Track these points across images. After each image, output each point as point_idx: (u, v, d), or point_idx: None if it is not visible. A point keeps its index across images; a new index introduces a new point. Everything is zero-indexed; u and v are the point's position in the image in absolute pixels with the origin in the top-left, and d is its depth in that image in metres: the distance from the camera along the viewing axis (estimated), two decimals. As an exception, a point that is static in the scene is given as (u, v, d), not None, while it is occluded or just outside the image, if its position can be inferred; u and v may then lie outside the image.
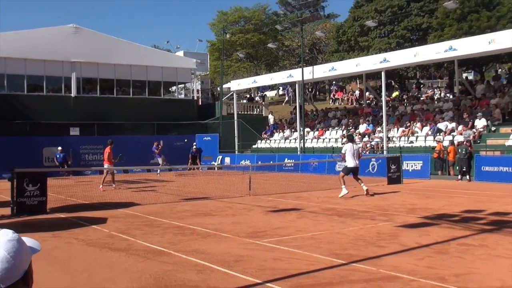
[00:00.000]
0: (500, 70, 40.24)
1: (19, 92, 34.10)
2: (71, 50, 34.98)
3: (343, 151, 17.02)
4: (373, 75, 37.30)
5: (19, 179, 13.32)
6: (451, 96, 32.93)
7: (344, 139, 19.68)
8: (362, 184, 16.37)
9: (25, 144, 29.30)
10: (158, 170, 29.91)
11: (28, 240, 1.76)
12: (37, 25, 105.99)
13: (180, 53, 47.94)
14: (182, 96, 44.54)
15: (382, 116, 27.56)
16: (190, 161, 32.77)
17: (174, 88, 43.48)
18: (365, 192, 16.24)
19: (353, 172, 16.69)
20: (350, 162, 16.52)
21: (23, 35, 33.93)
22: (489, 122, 24.49)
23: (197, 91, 48.08)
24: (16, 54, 32.95)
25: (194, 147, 33.80)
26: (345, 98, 47.42)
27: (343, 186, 16.04)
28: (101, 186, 20.31)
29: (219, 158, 35.02)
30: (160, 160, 28.95)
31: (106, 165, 20.89)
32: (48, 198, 13.86)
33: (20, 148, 28.67)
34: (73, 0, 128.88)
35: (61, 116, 33.18)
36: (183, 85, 44.82)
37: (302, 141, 31.35)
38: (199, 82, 50.69)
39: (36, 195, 13.40)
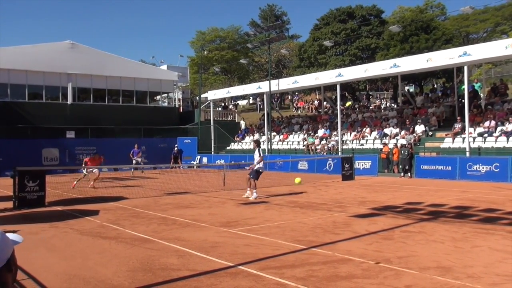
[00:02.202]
0: (436, 84, 40.96)
1: (21, 100, 33.42)
2: (68, 63, 34.46)
3: (256, 156, 14.62)
4: (330, 87, 37.59)
5: (21, 176, 13.07)
6: (395, 106, 33.39)
7: (252, 144, 16.93)
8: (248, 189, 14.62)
9: (26, 146, 28.73)
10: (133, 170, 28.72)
11: (12, 235, 1.76)
12: (37, 40, 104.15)
13: (164, 67, 47.59)
14: (166, 104, 44.15)
15: (337, 122, 27.78)
16: (172, 160, 32.52)
17: (158, 97, 43.11)
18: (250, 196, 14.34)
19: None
20: (261, 165, 14.65)
21: (24, 49, 33.28)
22: (427, 127, 24.92)
23: (179, 100, 47.74)
24: (18, 66, 32.35)
25: (176, 148, 33.56)
26: (306, 107, 47.68)
27: (254, 190, 14.30)
28: (76, 182, 19.04)
29: (197, 158, 34.83)
30: (139, 160, 27.95)
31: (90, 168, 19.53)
32: (46, 193, 13.61)
33: (22, 149, 28.10)
34: (70, 19, 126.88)
35: (58, 121, 32.71)
36: (166, 95, 44.47)
37: (269, 143, 31.42)
38: (181, 92, 50.28)
39: (36, 191, 13.17)
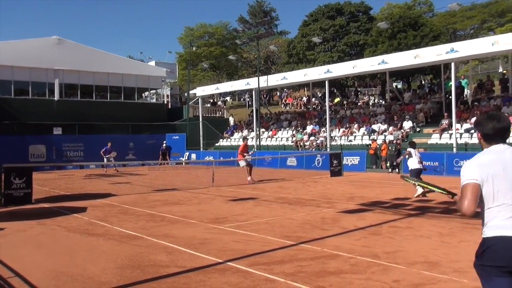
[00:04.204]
0: (423, 80, 41.24)
1: (7, 95, 33.07)
2: (55, 59, 34.14)
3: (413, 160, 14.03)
4: (318, 84, 37.65)
5: (7, 173, 12.91)
6: (383, 102, 33.55)
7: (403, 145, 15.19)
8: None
9: (12, 142, 28.40)
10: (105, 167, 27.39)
11: None
12: (23, 36, 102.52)
13: (152, 63, 47.41)
14: (154, 100, 44.00)
15: (326, 118, 27.87)
16: (160, 157, 32.46)
17: (146, 93, 42.93)
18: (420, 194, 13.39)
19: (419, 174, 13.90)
20: (414, 165, 13.93)
21: (11, 45, 32.86)
22: (414, 124, 25.10)
23: (167, 96, 47.60)
24: (4, 62, 31.91)
25: (164, 145, 33.50)
26: (295, 103, 47.74)
27: (417, 187, 13.28)
28: (249, 178, 18.56)
29: (186, 155, 34.74)
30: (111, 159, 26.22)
31: (241, 160, 19.20)
32: (33, 190, 13.49)
33: (8, 145, 27.77)
34: (57, 14, 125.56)
35: (45, 118, 32.37)
36: (154, 91, 44.30)
37: (258, 139, 31.43)
38: (169, 88, 50.12)
39: (22, 188, 13.03)
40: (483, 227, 3.12)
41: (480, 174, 3.04)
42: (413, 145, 14.64)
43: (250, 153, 19.87)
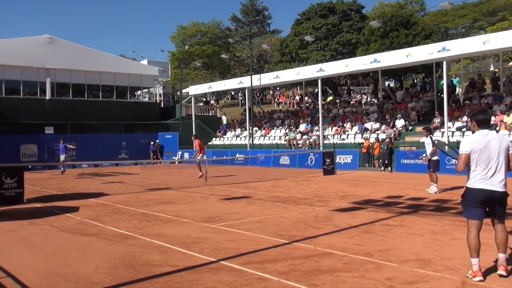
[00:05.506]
0: (416, 79, 41.41)
1: (-3, 95, 32.88)
2: (46, 58, 33.97)
3: (432, 145, 13.34)
4: (311, 82, 37.71)
5: (-2, 173, 12.82)
6: (375, 101, 33.62)
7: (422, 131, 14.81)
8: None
9: (4, 142, 28.19)
10: (62, 168, 25.64)
11: None
12: (14, 34, 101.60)
13: (145, 62, 47.26)
14: (146, 99, 43.87)
15: (318, 117, 27.90)
16: (151, 156, 32.41)
17: (139, 92, 42.80)
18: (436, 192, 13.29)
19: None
20: (434, 156, 13.64)
21: (1, 43, 32.62)
22: (407, 122, 25.18)
23: (160, 95, 47.53)
24: (-5, 61, 31.71)
25: (153, 143, 33.48)
26: (288, 102, 47.76)
27: (434, 184, 13.48)
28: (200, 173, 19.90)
29: (179, 154, 34.67)
30: (62, 157, 24.86)
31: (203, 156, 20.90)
32: (25, 190, 13.39)
33: (-1, 145, 27.57)
34: (48, 12, 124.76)
35: (36, 117, 32.22)
36: (147, 90, 44.17)
37: (251, 138, 31.43)
38: (161, 87, 50.04)
39: (14, 187, 12.92)
40: (468, 180, 5.28)
41: (470, 147, 5.20)
42: (430, 131, 14.30)
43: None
